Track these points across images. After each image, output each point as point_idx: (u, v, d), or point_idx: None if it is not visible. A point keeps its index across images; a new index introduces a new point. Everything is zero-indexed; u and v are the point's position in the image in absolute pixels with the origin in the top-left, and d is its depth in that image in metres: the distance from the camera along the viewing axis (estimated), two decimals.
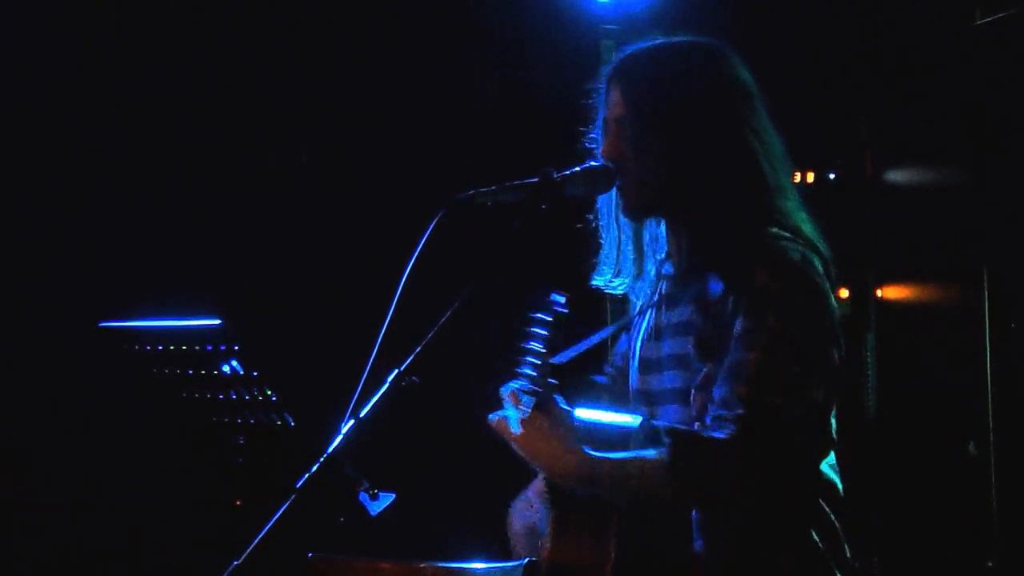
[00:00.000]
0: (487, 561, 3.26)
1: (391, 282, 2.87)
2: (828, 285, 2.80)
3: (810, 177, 5.14)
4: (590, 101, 3.10)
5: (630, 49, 3.03)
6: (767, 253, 2.77)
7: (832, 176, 5.23)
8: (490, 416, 2.90)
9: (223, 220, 5.14)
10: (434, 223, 2.89)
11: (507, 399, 2.84)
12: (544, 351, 2.66)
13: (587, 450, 2.73)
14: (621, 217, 3.08)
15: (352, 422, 2.77)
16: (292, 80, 5.23)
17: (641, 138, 2.91)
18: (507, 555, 3.22)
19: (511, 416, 2.80)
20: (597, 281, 3.18)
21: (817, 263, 2.80)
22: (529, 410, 2.70)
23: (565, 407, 2.78)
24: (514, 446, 2.83)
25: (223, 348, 3.31)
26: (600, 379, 3.32)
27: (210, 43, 5.15)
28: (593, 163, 3.04)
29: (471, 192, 2.95)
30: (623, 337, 3.25)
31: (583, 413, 2.88)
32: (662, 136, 2.89)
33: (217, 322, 3.32)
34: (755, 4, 5.10)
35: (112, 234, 5.07)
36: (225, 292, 4.63)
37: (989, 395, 4.76)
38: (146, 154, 5.15)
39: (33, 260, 5.02)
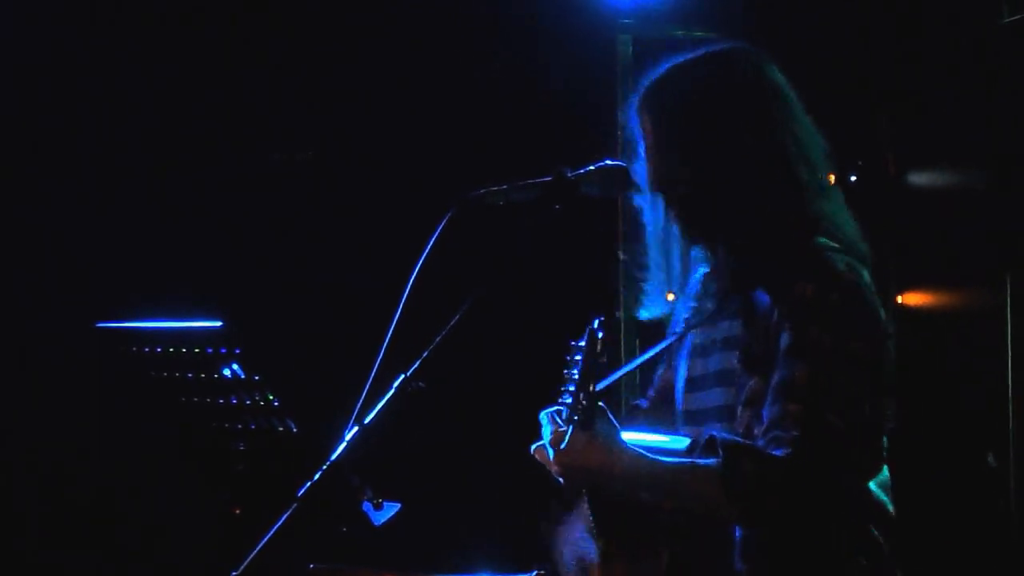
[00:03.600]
0: (493, 573, 3.24)
1: (399, 284, 2.83)
2: (874, 294, 2.74)
3: (831, 179, 5.07)
4: (626, 133, 3.02)
5: (651, 74, 2.94)
6: (812, 265, 2.72)
7: (853, 178, 5.17)
8: (532, 446, 2.84)
9: (225, 219, 5.10)
10: (444, 223, 2.85)
11: (546, 421, 2.79)
12: (581, 374, 2.61)
13: (641, 452, 2.67)
14: (673, 243, 3.00)
15: (356, 429, 2.74)
16: (297, 77, 5.20)
17: (679, 165, 2.85)
18: (517, 566, 3.18)
19: (547, 438, 2.75)
20: (645, 314, 3.11)
21: (863, 272, 2.74)
22: (570, 430, 2.62)
23: (612, 422, 2.69)
24: (554, 470, 2.76)
25: (224, 351, 3.28)
26: (642, 403, 3.26)
27: (213, 41, 5.13)
28: (608, 161, 2.98)
29: (482, 191, 2.92)
30: (663, 360, 3.17)
31: (628, 436, 2.80)
32: (696, 158, 2.82)
33: (218, 324, 3.29)
34: (775, 1, 5.05)
35: (112, 233, 5.02)
36: (227, 293, 4.58)
37: (1010, 405, 4.70)
38: (148, 153, 5.12)
39: (32, 258, 5.00)
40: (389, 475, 3.02)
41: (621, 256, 4.49)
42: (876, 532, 2.77)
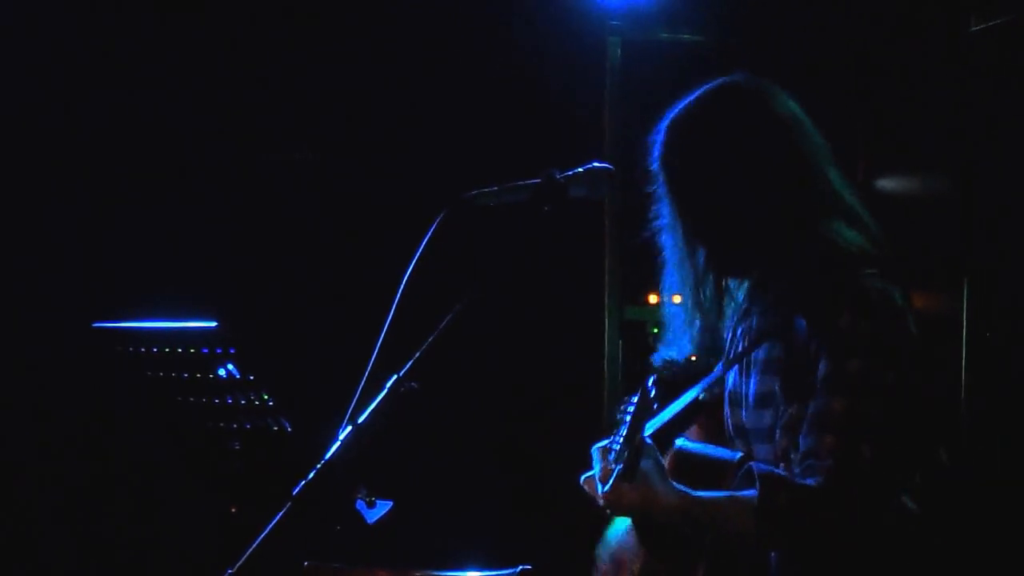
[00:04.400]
0: (482, 569, 3.26)
1: (392, 284, 2.83)
2: (907, 314, 2.75)
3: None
4: (652, 187, 3.02)
5: (665, 122, 2.95)
6: (847, 292, 2.72)
7: None
8: (581, 476, 2.97)
9: (220, 220, 5.10)
10: (436, 224, 2.85)
11: (597, 456, 2.90)
12: (631, 425, 2.70)
13: (682, 490, 2.74)
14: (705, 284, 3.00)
15: (350, 428, 2.73)
16: (291, 78, 5.19)
17: (701, 219, 2.89)
18: (505, 563, 3.21)
19: (596, 472, 2.88)
20: (696, 352, 3.12)
21: (896, 296, 2.75)
22: (616, 471, 2.72)
23: (659, 461, 2.77)
24: (600, 503, 2.86)
25: (219, 351, 3.31)
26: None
27: (209, 42, 5.12)
28: (595, 163, 2.99)
29: (474, 193, 2.92)
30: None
31: (686, 442, 2.94)
32: (719, 200, 2.85)
33: (213, 324, 3.31)
34: (751, 10, 5.09)
35: (108, 234, 5.03)
36: (222, 294, 4.59)
37: (963, 403, 4.75)
38: (143, 154, 5.11)
39: (29, 260, 4.98)
40: (382, 474, 3.04)
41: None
42: (905, 542, 2.81)
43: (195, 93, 5.11)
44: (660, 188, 2.97)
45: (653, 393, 2.73)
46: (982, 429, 4.70)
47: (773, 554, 2.78)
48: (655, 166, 2.96)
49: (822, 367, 2.70)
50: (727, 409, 3.01)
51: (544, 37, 5.08)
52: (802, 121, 2.91)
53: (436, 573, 3.28)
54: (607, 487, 2.75)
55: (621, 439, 2.75)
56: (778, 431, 2.79)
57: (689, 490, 2.73)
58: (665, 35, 5.19)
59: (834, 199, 2.86)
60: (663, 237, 3.02)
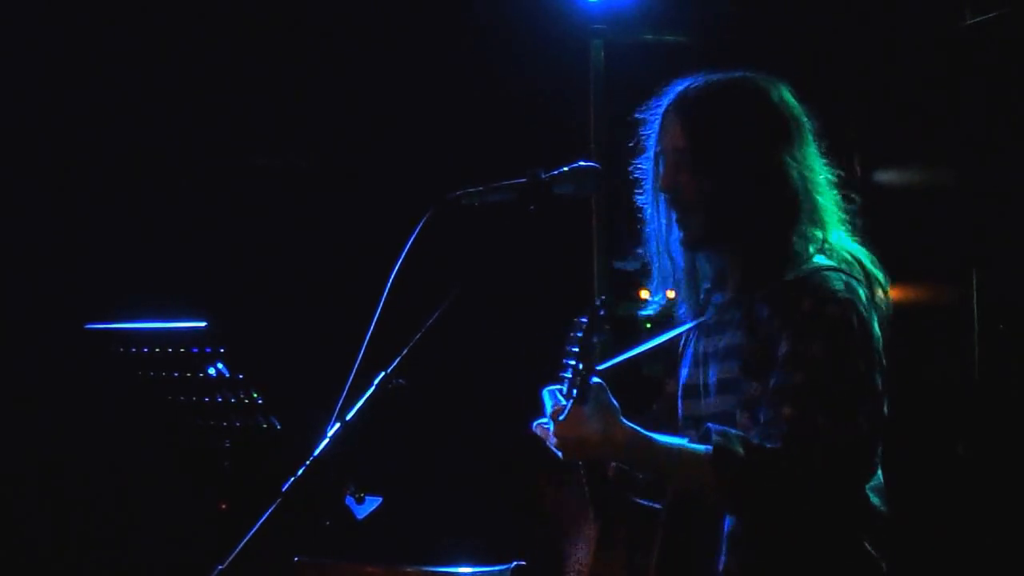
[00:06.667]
0: (474, 565, 3.27)
1: (379, 283, 2.86)
2: (873, 313, 2.80)
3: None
4: (641, 132, 3.05)
5: (686, 83, 2.98)
6: (813, 283, 2.78)
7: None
8: (532, 423, 2.90)
9: (210, 221, 5.13)
10: (422, 224, 2.88)
11: (548, 399, 2.83)
12: (580, 351, 2.64)
13: (638, 428, 2.72)
14: (673, 249, 3.05)
15: (338, 425, 2.76)
16: (278, 81, 5.23)
17: (701, 172, 2.90)
18: (497, 558, 3.23)
19: (548, 413, 2.79)
20: (649, 310, 3.18)
21: (861, 292, 2.80)
22: (569, 403, 2.65)
23: (612, 400, 2.73)
24: (553, 443, 2.78)
25: (209, 350, 3.32)
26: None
27: (199, 47, 5.14)
28: (581, 162, 3.02)
29: (460, 193, 2.94)
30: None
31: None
32: (720, 171, 2.88)
33: (203, 324, 3.33)
34: (743, 5, 5.10)
35: (100, 236, 5.06)
36: (211, 294, 4.61)
37: (979, 396, 4.75)
38: (134, 156, 5.13)
39: (21, 261, 5.01)
40: (370, 470, 3.07)
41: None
42: (869, 545, 2.81)
43: (186, 96, 5.14)
44: (649, 144, 3.00)
45: (603, 314, 2.69)
46: (996, 420, 4.70)
47: (726, 528, 2.79)
48: (653, 122, 2.98)
49: (784, 347, 2.73)
50: (680, 402, 3.04)
51: (529, 40, 5.12)
52: (805, 126, 2.96)
53: (427, 569, 3.30)
54: (562, 417, 2.66)
55: (571, 368, 2.65)
56: (738, 411, 2.81)
57: (644, 431, 2.71)
58: (648, 37, 5.25)
59: (819, 206, 2.90)
60: (640, 198, 3.06)
